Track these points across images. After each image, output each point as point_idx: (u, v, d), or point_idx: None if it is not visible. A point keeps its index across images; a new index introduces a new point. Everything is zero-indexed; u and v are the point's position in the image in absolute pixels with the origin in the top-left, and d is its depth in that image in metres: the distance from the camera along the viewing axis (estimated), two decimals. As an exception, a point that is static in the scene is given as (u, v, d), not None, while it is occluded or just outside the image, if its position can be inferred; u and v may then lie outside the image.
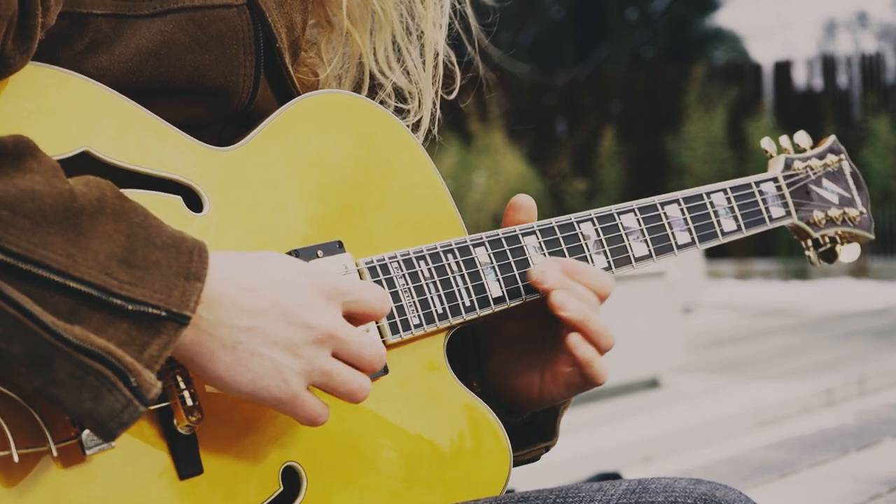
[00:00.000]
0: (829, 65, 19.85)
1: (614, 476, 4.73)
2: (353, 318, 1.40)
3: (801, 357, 10.03)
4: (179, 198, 1.42)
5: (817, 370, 9.23)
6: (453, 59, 1.80)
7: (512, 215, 1.66)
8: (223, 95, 1.50)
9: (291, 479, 1.43)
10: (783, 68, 19.86)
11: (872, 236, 2.00)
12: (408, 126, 1.68)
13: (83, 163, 1.36)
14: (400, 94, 1.75)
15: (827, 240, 1.95)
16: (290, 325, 1.33)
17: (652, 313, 8.61)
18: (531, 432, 1.72)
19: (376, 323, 1.51)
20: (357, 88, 1.75)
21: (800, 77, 20.03)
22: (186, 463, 1.36)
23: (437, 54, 1.75)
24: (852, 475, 3.12)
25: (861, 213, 1.98)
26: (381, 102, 1.73)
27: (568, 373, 1.62)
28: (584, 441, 7.00)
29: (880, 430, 3.68)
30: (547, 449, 1.73)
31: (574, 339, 1.57)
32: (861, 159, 17.43)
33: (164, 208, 1.39)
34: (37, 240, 1.20)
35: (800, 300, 14.28)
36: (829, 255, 1.96)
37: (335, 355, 1.37)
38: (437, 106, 1.78)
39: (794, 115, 19.06)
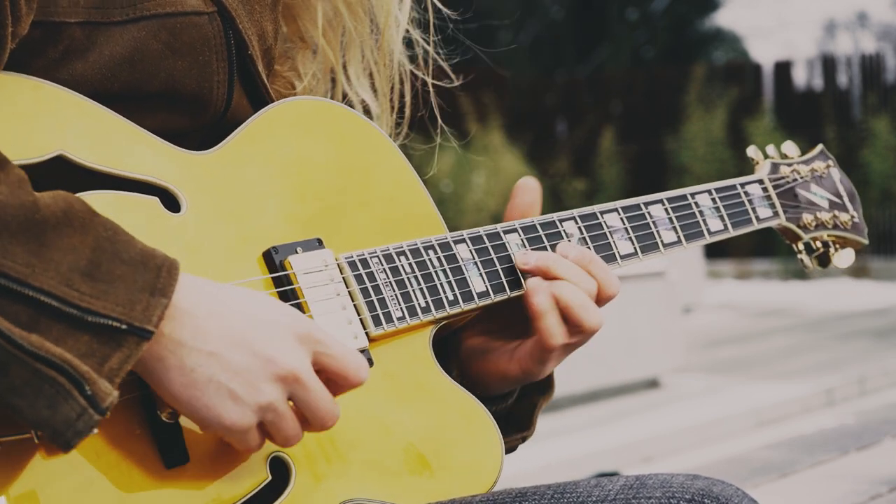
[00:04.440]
0: (829, 65, 19.85)
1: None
2: (323, 373, 1.37)
3: (801, 357, 10.02)
4: (156, 198, 1.43)
5: (817, 370, 9.22)
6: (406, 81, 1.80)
7: (520, 196, 1.69)
8: (198, 102, 1.51)
9: (280, 469, 1.43)
10: (783, 68, 19.86)
11: (866, 241, 2.01)
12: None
13: (58, 167, 1.37)
14: (366, 111, 1.77)
15: (819, 244, 1.97)
16: (254, 357, 1.31)
17: (652, 313, 8.61)
18: (508, 423, 1.72)
19: (358, 315, 1.52)
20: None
21: (800, 77, 20.05)
22: (172, 451, 1.35)
23: (395, 74, 1.78)
24: (852, 475, 3.11)
25: (852, 217, 1.99)
26: None
27: (530, 342, 1.63)
28: (583, 441, 7.00)
29: (880, 430, 3.67)
30: (523, 439, 1.74)
31: (532, 284, 1.59)
32: (861, 159, 17.44)
33: (141, 209, 1.40)
34: None
35: (800, 300, 14.28)
36: (823, 260, 1.98)
37: (291, 399, 1.35)
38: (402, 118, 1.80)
39: (794, 115, 19.07)
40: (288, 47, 1.78)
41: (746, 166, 1.96)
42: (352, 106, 1.75)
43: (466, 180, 15.61)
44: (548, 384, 1.74)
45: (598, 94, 20.71)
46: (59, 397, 1.21)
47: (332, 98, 1.77)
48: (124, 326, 1.24)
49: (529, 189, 1.70)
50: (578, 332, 1.61)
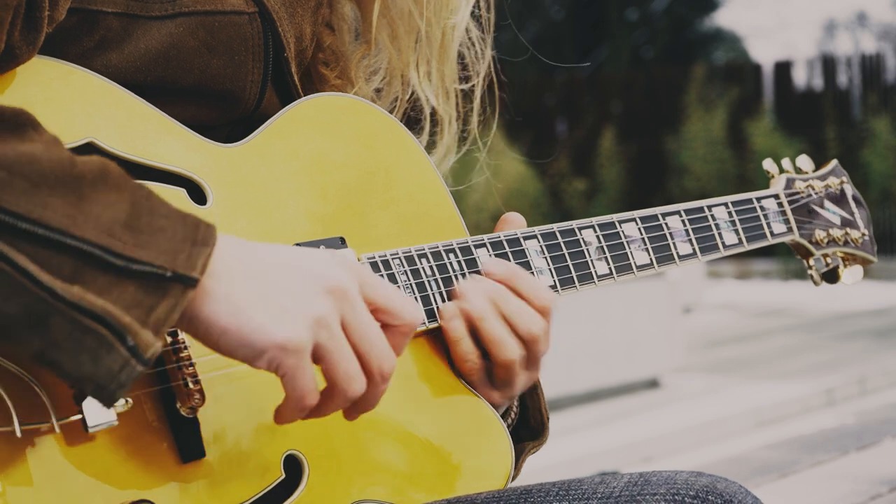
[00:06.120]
0: (829, 65, 19.86)
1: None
2: (372, 307, 1.34)
3: (801, 357, 10.03)
4: (183, 190, 1.44)
5: (817, 370, 9.23)
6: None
7: (501, 228, 1.67)
8: (229, 100, 1.52)
9: (293, 467, 1.44)
10: (783, 68, 19.86)
11: (875, 259, 2.03)
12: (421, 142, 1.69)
13: (88, 154, 1.36)
14: (431, 115, 1.75)
15: (829, 261, 1.98)
16: (302, 274, 1.29)
17: (652, 313, 8.61)
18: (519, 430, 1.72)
19: None
20: (393, 105, 1.75)
21: (800, 77, 20.06)
22: (188, 446, 1.36)
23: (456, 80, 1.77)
24: (852, 475, 3.11)
25: (863, 234, 2.01)
26: (417, 123, 1.74)
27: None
28: (584, 441, 7.00)
29: (880, 430, 3.68)
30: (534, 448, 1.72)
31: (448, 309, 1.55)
32: (861, 159, 17.44)
33: (168, 200, 1.40)
34: (36, 200, 1.19)
35: (800, 300, 14.28)
36: (832, 277, 1.99)
37: (341, 321, 1.31)
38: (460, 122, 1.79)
39: (794, 115, 19.08)
40: (349, 49, 1.76)
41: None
42: (421, 109, 1.75)
43: (466, 180, 15.61)
44: (541, 431, 1.71)
45: (598, 94, 20.71)
46: (101, 349, 1.18)
47: (399, 101, 1.75)
48: (169, 273, 1.21)
49: (512, 223, 1.67)
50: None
